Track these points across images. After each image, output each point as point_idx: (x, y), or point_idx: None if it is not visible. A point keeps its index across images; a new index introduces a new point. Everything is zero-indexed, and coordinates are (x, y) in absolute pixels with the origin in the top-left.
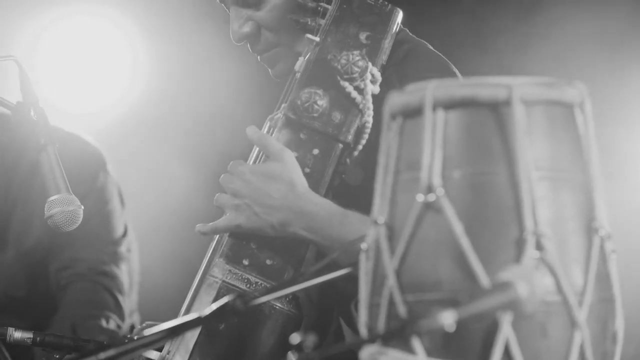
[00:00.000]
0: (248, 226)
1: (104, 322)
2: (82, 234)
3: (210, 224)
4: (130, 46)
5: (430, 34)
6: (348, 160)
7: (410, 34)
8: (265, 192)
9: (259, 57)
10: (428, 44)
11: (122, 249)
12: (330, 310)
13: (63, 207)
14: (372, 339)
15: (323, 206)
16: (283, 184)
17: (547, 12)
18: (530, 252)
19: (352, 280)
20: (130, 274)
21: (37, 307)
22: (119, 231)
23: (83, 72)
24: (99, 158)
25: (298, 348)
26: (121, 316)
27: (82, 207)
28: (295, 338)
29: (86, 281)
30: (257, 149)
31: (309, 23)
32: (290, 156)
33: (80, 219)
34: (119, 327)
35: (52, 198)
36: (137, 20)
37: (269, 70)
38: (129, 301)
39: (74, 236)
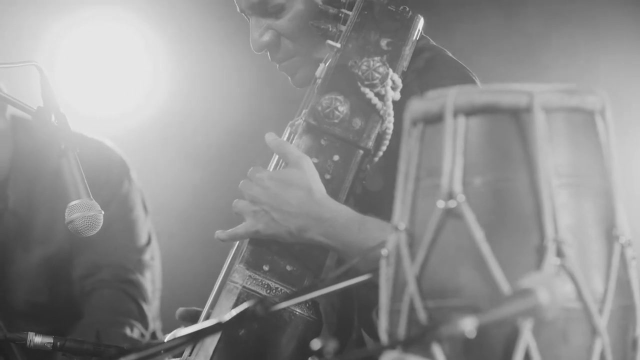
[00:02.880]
0: (266, 232)
1: (128, 330)
2: (106, 241)
3: (229, 230)
4: (151, 51)
5: (450, 41)
6: (368, 166)
7: (432, 42)
8: (283, 199)
9: (278, 66)
10: (448, 52)
11: (146, 256)
12: (351, 317)
13: (83, 212)
14: (392, 345)
15: (341, 212)
16: (301, 190)
17: (567, 19)
18: (551, 259)
19: (372, 287)
20: (153, 281)
21: (58, 313)
22: (143, 239)
23: (103, 77)
24: (123, 165)
25: (318, 354)
26: (145, 324)
27: (103, 213)
28: (315, 344)
29: (111, 288)
30: (276, 158)
31: (330, 29)
32: (308, 163)
33: (101, 224)
34: (142, 335)
35: (72, 203)
36: (157, 26)
37: (289, 78)
38: (152, 309)
39: (99, 243)
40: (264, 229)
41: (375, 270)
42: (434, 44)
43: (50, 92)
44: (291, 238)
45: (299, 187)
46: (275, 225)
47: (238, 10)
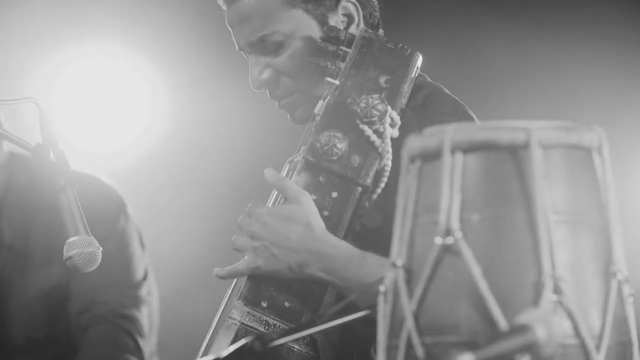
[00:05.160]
0: (267, 268)
1: None
2: (102, 277)
3: (229, 267)
4: (149, 87)
5: (446, 78)
6: (367, 203)
7: (429, 80)
8: (283, 234)
9: (277, 104)
10: (445, 89)
11: (143, 292)
12: (350, 354)
13: (82, 248)
14: None
15: (340, 248)
16: (301, 225)
17: (563, 57)
18: (548, 296)
19: (371, 323)
20: (150, 316)
21: (56, 349)
22: (140, 274)
23: (101, 113)
24: (119, 201)
25: None
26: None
27: (101, 249)
28: None
29: (107, 324)
30: (276, 191)
31: (329, 66)
32: (307, 198)
33: (99, 261)
34: None
35: (70, 240)
36: (156, 61)
37: (288, 116)
38: (149, 344)
39: (95, 279)
40: (265, 264)
41: (374, 306)
42: (431, 81)
43: (49, 128)
44: (291, 274)
45: (298, 222)
46: (275, 260)
47: (237, 48)
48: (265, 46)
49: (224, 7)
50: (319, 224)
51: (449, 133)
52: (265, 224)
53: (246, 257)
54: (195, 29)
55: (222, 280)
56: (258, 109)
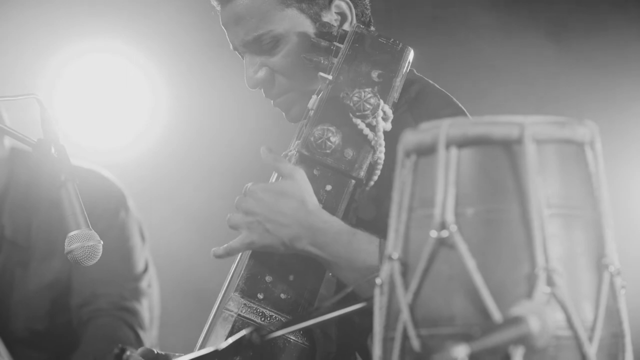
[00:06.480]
0: (261, 243)
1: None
2: (103, 270)
3: (225, 245)
4: (150, 84)
5: (440, 73)
6: (360, 196)
7: (418, 74)
8: (276, 209)
9: (273, 102)
10: (435, 84)
11: (143, 284)
12: (348, 346)
13: (83, 242)
14: None
15: (332, 224)
16: (294, 200)
17: (556, 52)
18: (542, 288)
19: (368, 315)
20: (150, 309)
21: (57, 341)
22: (140, 267)
23: (103, 109)
24: (120, 194)
25: None
26: None
27: (102, 243)
28: None
29: (107, 317)
30: (275, 176)
31: (322, 62)
32: (301, 175)
33: (100, 254)
34: None
35: (72, 233)
36: (156, 58)
37: (284, 114)
38: (150, 336)
39: (95, 272)
40: (259, 239)
41: (370, 298)
42: (419, 75)
43: (50, 124)
44: (284, 248)
45: (292, 197)
46: (269, 235)
47: (231, 47)
48: (260, 46)
49: (218, 8)
50: (312, 200)
51: (443, 128)
52: (259, 200)
53: (241, 234)
54: (195, 27)
55: (219, 272)
56: (257, 107)
